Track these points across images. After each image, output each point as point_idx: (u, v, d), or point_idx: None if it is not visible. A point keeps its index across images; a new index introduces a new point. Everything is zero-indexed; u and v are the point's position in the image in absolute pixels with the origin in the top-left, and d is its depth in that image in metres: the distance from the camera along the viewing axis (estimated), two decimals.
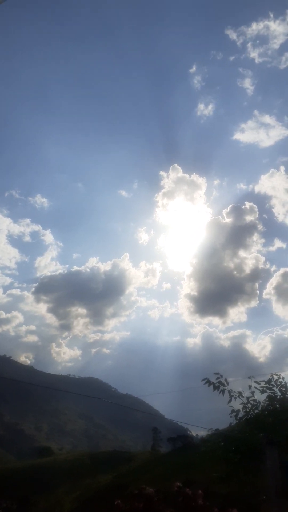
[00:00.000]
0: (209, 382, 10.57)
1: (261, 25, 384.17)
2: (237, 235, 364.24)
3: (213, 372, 10.61)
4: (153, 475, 47.91)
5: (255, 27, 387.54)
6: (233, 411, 10.95)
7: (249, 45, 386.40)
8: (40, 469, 77.37)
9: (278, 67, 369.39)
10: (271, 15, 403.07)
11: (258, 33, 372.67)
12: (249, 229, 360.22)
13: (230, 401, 10.74)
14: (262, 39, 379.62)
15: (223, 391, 10.57)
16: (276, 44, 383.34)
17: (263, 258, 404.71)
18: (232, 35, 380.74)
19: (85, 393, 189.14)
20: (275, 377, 11.15)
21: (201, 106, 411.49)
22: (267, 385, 11.01)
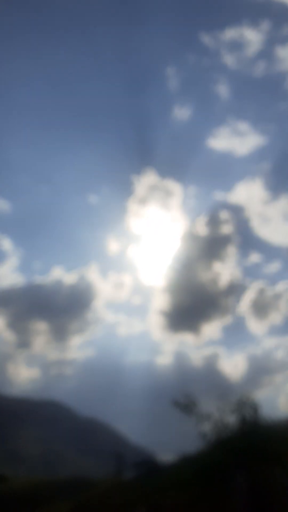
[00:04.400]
0: (177, 404, 10.72)
1: (235, 31, 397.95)
2: (212, 247, 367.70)
3: (185, 392, 10.78)
4: (117, 502, 47.05)
5: (229, 34, 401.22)
6: (202, 433, 11.11)
7: (222, 51, 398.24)
8: None
9: (252, 74, 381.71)
10: (246, 22, 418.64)
11: (232, 40, 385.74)
12: (224, 240, 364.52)
13: (199, 423, 10.91)
14: (236, 46, 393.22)
15: (191, 412, 10.74)
16: (250, 51, 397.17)
17: (238, 271, 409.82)
18: (206, 39, 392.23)
19: (44, 417, 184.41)
20: (246, 398, 11.47)
21: (176, 110, 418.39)
22: (237, 406, 11.29)
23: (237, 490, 9.35)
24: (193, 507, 11.88)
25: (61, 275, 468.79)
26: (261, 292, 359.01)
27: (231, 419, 11.29)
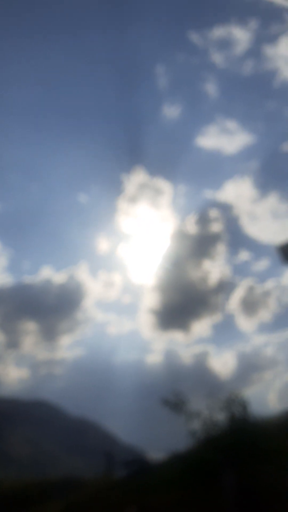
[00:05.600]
0: (166, 403, 10.78)
1: (223, 30, 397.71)
2: (201, 245, 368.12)
3: (176, 390, 10.85)
4: (107, 502, 47.11)
5: (217, 32, 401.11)
6: (191, 431, 11.18)
7: (211, 49, 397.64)
8: None
9: (240, 73, 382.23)
10: (234, 21, 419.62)
11: (221, 38, 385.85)
12: (213, 238, 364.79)
13: (188, 421, 10.98)
14: (224, 44, 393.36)
15: (181, 411, 10.80)
16: (238, 50, 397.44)
17: (227, 269, 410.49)
18: (194, 38, 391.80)
19: (34, 417, 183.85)
20: (234, 396, 11.56)
21: (165, 108, 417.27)
22: (226, 404, 11.38)
23: (226, 488, 9.42)
24: (183, 505, 11.95)
25: (50, 274, 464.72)
26: (250, 289, 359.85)
27: (221, 417, 11.38)
